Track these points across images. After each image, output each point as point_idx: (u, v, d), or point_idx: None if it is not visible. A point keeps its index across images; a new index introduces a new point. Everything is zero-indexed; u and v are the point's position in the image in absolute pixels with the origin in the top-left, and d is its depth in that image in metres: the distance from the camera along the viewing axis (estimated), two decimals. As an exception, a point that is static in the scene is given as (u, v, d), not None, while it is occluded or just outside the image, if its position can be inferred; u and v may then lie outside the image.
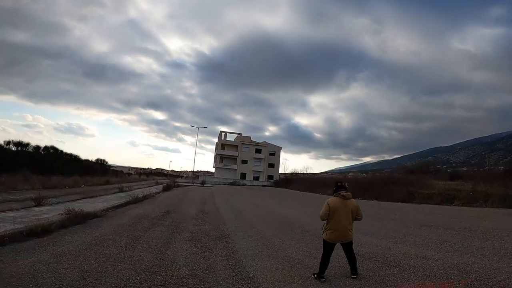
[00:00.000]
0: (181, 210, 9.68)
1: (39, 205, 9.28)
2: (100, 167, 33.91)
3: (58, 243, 4.77)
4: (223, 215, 8.83)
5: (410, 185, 14.97)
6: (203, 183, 35.79)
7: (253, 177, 52.49)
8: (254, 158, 52.40)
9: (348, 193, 3.48)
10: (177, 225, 6.76)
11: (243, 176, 51.96)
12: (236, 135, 56.62)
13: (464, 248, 5.14)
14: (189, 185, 34.31)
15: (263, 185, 49.06)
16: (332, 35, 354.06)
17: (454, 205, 11.26)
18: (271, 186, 45.23)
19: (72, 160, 27.37)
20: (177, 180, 47.45)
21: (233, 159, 52.20)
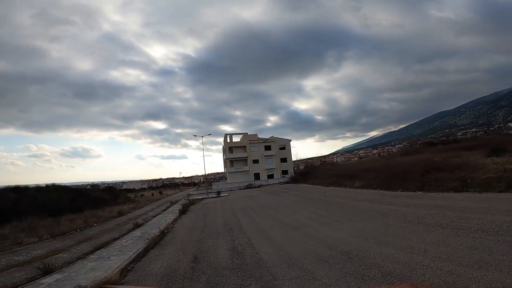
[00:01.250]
0: (210, 253, 8.19)
1: (47, 272, 7.91)
2: (109, 195, 32.81)
3: None
4: (262, 255, 7.30)
5: (457, 168, 13.23)
6: (218, 193, 34.44)
7: (267, 175, 51.06)
8: (265, 156, 50.90)
9: None
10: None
11: (256, 176, 50.54)
12: (242, 135, 55.10)
13: None
14: (204, 198, 33.00)
15: (279, 183, 47.60)
16: (313, 18, 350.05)
17: (524, 191, 9.55)
18: (288, 183, 43.73)
19: (80, 194, 26.21)
20: (191, 192, 46.33)
21: (244, 160, 50.78)
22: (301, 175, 44.11)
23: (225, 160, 51.26)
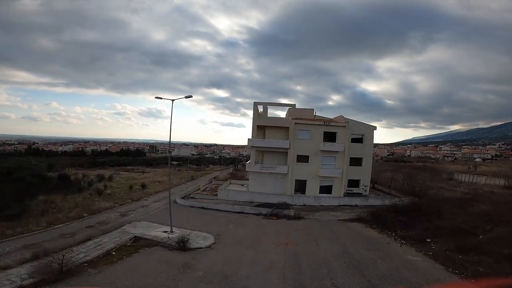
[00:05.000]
0: None
1: None
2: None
3: None
4: None
5: None
6: (182, 245, 14.16)
7: (321, 187, 28.74)
8: (322, 151, 28.13)
9: None
10: None
11: (300, 186, 28.76)
12: (288, 107, 32.76)
13: None
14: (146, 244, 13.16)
15: (339, 206, 25.48)
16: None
17: None
18: (363, 220, 20.81)
19: None
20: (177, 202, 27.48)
21: (281, 154, 29.04)
22: (396, 211, 20.50)
23: (251, 150, 30.31)
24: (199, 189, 34.92)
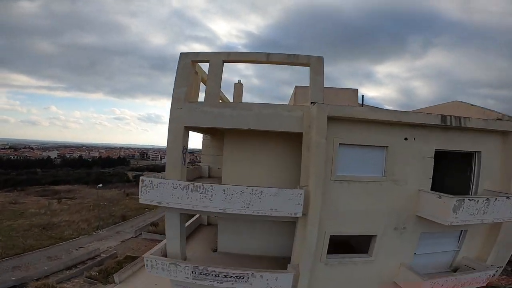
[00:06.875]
0: None
1: None
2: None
3: None
4: None
5: None
6: None
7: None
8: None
9: None
10: None
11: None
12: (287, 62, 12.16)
13: None
14: None
15: None
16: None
17: None
18: None
19: None
20: None
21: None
22: None
23: (166, 219, 8.70)
24: (97, 255, 14.84)
